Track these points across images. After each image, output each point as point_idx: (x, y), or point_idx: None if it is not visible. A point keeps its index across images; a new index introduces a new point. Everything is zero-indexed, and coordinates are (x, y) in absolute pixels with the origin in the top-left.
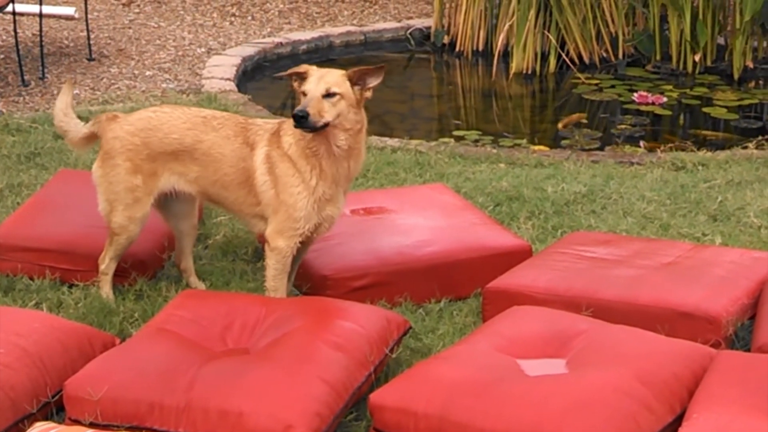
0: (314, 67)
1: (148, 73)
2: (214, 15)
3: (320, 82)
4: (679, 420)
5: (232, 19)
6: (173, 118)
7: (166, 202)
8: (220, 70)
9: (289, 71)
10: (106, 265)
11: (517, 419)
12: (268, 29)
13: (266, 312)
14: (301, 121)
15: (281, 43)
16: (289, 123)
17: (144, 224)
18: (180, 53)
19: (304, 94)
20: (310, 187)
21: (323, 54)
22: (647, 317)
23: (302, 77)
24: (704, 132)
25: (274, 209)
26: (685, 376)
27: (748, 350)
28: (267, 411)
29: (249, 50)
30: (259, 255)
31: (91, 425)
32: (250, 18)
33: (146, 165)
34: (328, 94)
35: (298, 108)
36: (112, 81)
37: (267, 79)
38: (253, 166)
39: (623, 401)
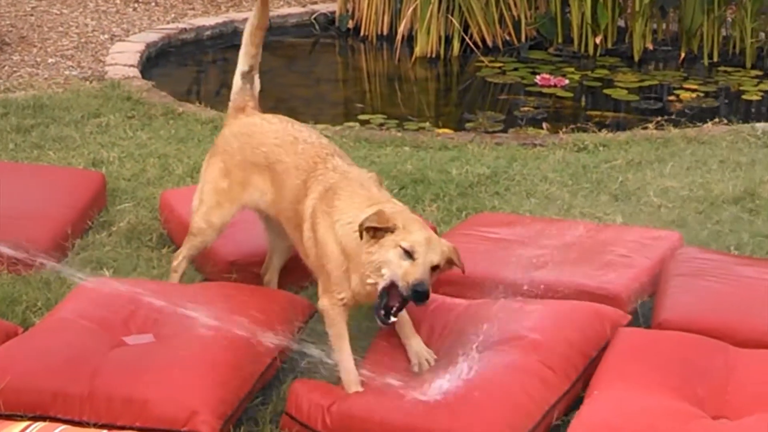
0: (402, 217)
1: (50, 60)
2: (117, 1)
3: (433, 250)
4: (576, 385)
5: (136, 5)
6: (270, 129)
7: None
8: (124, 56)
9: (372, 224)
10: (178, 262)
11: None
12: (172, 15)
13: (171, 299)
14: (423, 298)
15: (185, 29)
16: (350, 189)
17: (222, 232)
18: (83, 40)
19: (408, 254)
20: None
21: (228, 40)
22: (550, 297)
23: (389, 230)
24: (605, 113)
25: (318, 269)
26: (579, 340)
27: (649, 327)
28: (171, 398)
29: (153, 36)
30: (163, 242)
31: None
32: (153, 4)
33: (236, 171)
34: (435, 267)
35: (419, 281)
36: (14, 69)
37: (171, 65)
38: (303, 215)
39: (515, 375)
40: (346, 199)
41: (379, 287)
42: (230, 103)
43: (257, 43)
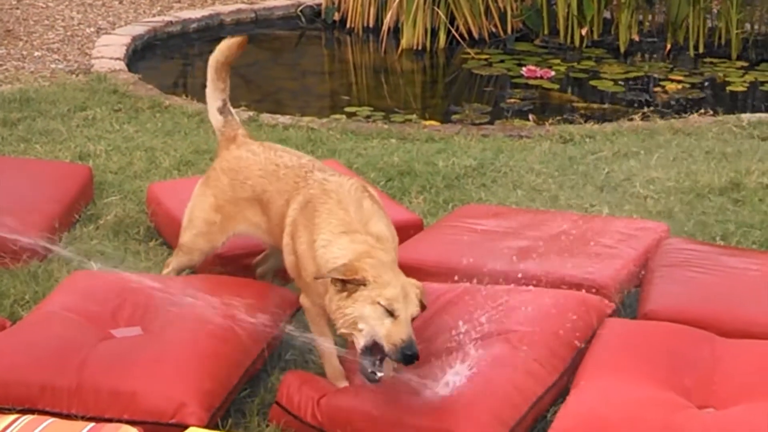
0: (371, 265)
1: (36, 53)
2: None
3: (411, 303)
4: (564, 376)
5: None
6: (255, 162)
7: None
8: (110, 49)
9: (340, 277)
10: (167, 272)
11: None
12: (158, 8)
13: (158, 291)
14: (413, 360)
15: (171, 21)
16: (329, 207)
17: (207, 256)
18: (69, 33)
19: (388, 312)
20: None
21: (214, 33)
22: (536, 287)
23: (360, 283)
24: (591, 105)
25: (296, 276)
26: (567, 332)
27: (635, 317)
28: (159, 390)
29: (139, 29)
30: (151, 234)
31: None
32: None
33: (228, 206)
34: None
35: (406, 343)
36: (0, 62)
37: (158, 58)
38: (284, 221)
39: (501, 369)
40: (324, 218)
41: (359, 346)
42: (219, 137)
43: (224, 77)
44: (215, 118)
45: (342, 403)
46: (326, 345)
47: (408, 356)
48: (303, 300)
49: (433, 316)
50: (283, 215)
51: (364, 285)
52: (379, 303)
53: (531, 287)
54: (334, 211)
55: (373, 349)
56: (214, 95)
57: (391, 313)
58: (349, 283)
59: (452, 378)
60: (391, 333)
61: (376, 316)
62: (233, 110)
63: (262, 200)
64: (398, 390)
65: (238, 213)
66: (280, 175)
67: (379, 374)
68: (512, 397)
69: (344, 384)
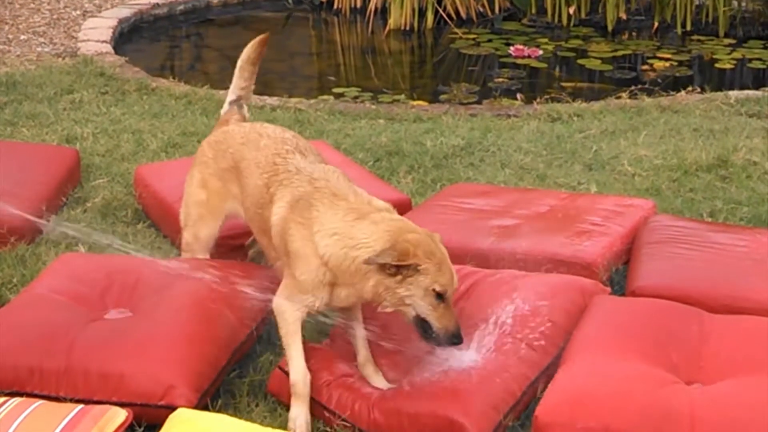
0: (422, 251)
1: (22, 37)
2: None
3: (455, 283)
4: (557, 360)
5: None
6: (239, 131)
7: None
8: (97, 32)
9: (396, 262)
10: None
11: (396, 391)
12: None
13: (147, 274)
14: (460, 343)
15: (158, 4)
16: (327, 201)
17: (209, 249)
18: (55, 16)
19: (439, 296)
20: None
21: (200, 15)
22: (524, 266)
23: (414, 268)
24: (578, 83)
25: (285, 274)
26: (562, 319)
27: (623, 294)
28: (148, 372)
29: (125, 12)
30: (138, 217)
31: None
32: None
33: (213, 181)
34: None
35: (456, 329)
36: None
37: (144, 41)
38: (269, 222)
39: (494, 356)
40: (325, 211)
41: (410, 319)
42: (218, 122)
43: (247, 77)
44: (224, 108)
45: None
46: (296, 346)
47: (455, 342)
48: (279, 302)
49: None
50: (260, 198)
51: (417, 270)
52: (434, 290)
53: (526, 273)
54: (335, 203)
55: (424, 324)
56: (234, 90)
57: (441, 298)
58: (403, 268)
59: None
60: (442, 318)
61: (429, 301)
62: (246, 108)
63: (240, 169)
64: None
65: (223, 187)
66: (261, 145)
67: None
68: (506, 383)
69: (305, 388)
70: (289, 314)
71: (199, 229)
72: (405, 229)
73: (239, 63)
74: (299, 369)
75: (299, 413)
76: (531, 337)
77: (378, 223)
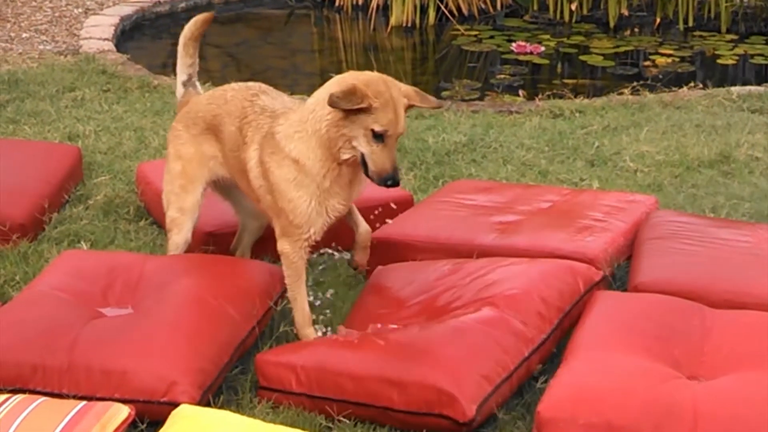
0: (373, 87)
1: (24, 35)
2: None
3: (401, 123)
4: (550, 338)
5: None
6: (204, 96)
7: (235, 194)
8: (98, 30)
9: (350, 105)
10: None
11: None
12: None
13: (149, 270)
14: (394, 186)
15: (160, 1)
16: (287, 122)
17: (194, 221)
18: (57, 14)
19: (377, 136)
20: (314, 193)
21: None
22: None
23: (365, 107)
24: (580, 80)
25: (275, 213)
26: (553, 297)
27: (625, 290)
28: (150, 368)
29: (127, 9)
30: (141, 214)
31: None
32: None
33: (185, 149)
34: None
35: (390, 174)
36: None
37: (146, 38)
38: (247, 164)
39: (486, 329)
40: (284, 128)
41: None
42: (178, 108)
43: (191, 53)
44: (178, 91)
45: (328, 363)
46: (300, 290)
47: (390, 183)
48: (282, 245)
49: (423, 290)
50: (235, 141)
51: (361, 109)
52: (372, 129)
53: (519, 259)
54: (288, 116)
55: (365, 164)
56: (182, 70)
57: (381, 138)
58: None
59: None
60: (377, 160)
61: (367, 140)
62: (198, 84)
63: (214, 125)
64: (384, 348)
65: (196, 152)
66: (228, 97)
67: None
68: (498, 356)
69: (310, 331)
70: (292, 254)
71: (183, 200)
72: (353, 74)
73: (182, 41)
74: (303, 312)
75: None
76: (523, 314)
77: (321, 92)
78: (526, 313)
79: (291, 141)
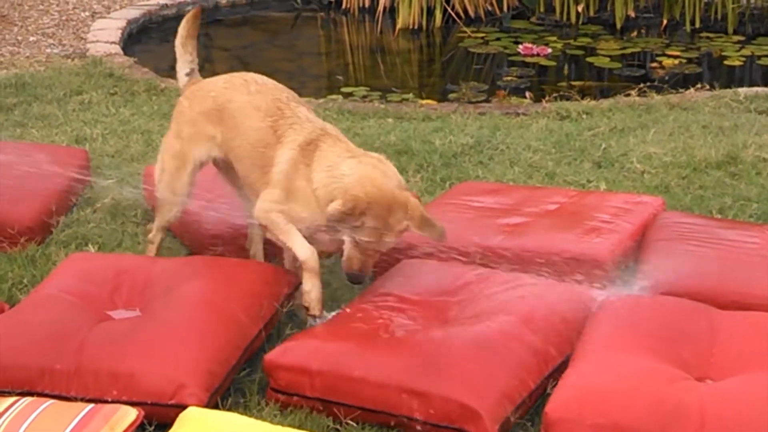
0: (375, 209)
1: (32, 38)
2: None
3: (385, 244)
4: (569, 360)
5: None
6: (219, 78)
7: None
8: (105, 33)
9: (346, 225)
10: (153, 234)
11: (408, 368)
12: None
13: (156, 273)
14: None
15: (166, 4)
16: (331, 141)
17: (184, 202)
18: (64, 18)
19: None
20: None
21: (209, 15)
22: (534, 264)
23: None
24: (587, 81)
25: (273, 184)
26: (573, 317)
27: (633, 292)
28: (158, 371)
29: (134, 13)
30: (148, 217)
31: None
32: None
33: (186, 128)
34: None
35: (355, 274)
36: None
37: (153, 41)
38: (274, 160)
39: (510, 345)
40: (327, 149)
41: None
42: (183, 91)
43: (191, 50)
44: (182, 81)
45: (343, 370)
46: (292, 232)
47: (351, 280)
48: (263, 206)
49: (447, 297)
50: (263, 137)
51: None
52: (354, 239)
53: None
54: (336, 143)
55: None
56: (183, 66)
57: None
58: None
59: (459, 351)
60: (352, 257)
61: (350, 240)
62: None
63: (227, 109)
64: (406, 356)
65: (196, 132)
66: (251, 89)
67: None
68: (521, 374)
69: (314, 260)
70: (274, 215)
71: (176, 180)
72: (374, 179)
73: (180, 41)
74: (304, 248)
75: (312, 287)
76: (544, 333)
77: (363, 164)
78: (549, 332)
79: (320, 174)
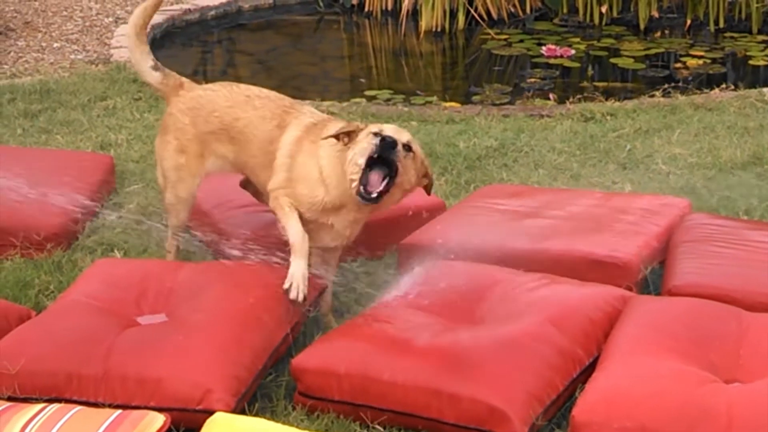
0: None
1: (56, 44)
2: None
3: (400, 132)
4: (596, 362)
5: None
6: (219, 96)
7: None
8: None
9: (343, 131)
10: (168, 243)
11: (436, 370)
12: None
13: (182, 277)
14: (391, 146)
15: (189, 9)
16: (334, 126)
17: (191, 205)
18: (88, 24)
19: (377, 134)
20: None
21: (232, 20)
22: (560, 266)
23: (360, 130)
24: (611, 83)
25: (279, 170)
26: (600, 319)
27: (659, 294)
28: (185, 376)
29: (157, 18)
30: None
31: (10, 399)
32: None
33: (192, 146)
34: (407, 146)
35: (388, 136)
36: (20, 54)
37: (176, 46)
38: (278, 146)
39: (538, 347)
40: (333, 128)
41: (359, 173)
42: (162, 89)
43: (144, 40)
44: (152, 76)
45: (372, 372)
46: (292, 217)
47: (386, 142)
48: (276, 193)
49: (475, 298)
50: (269, 136)
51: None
52: (371, 131)
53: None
54: (338, 123)
55: (370, 163)
56: (143, 57)
57: (379, 134)
58: (351, 133)
59: (488, 352)
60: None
61: (368, 140)
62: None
63: (235, 128)
64: (435, 358)
65: (203, 150)
66: (256, 104)
67: (374, 194)
68: (549, 376)
69: (304, 248)
70: (286, 205)
71: (180, 190)
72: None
73: (134, 30)
74: (297, 231)
75: (297, 268)
76: (571, 333)
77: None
78: (576, 334)
79: (325, 149)
